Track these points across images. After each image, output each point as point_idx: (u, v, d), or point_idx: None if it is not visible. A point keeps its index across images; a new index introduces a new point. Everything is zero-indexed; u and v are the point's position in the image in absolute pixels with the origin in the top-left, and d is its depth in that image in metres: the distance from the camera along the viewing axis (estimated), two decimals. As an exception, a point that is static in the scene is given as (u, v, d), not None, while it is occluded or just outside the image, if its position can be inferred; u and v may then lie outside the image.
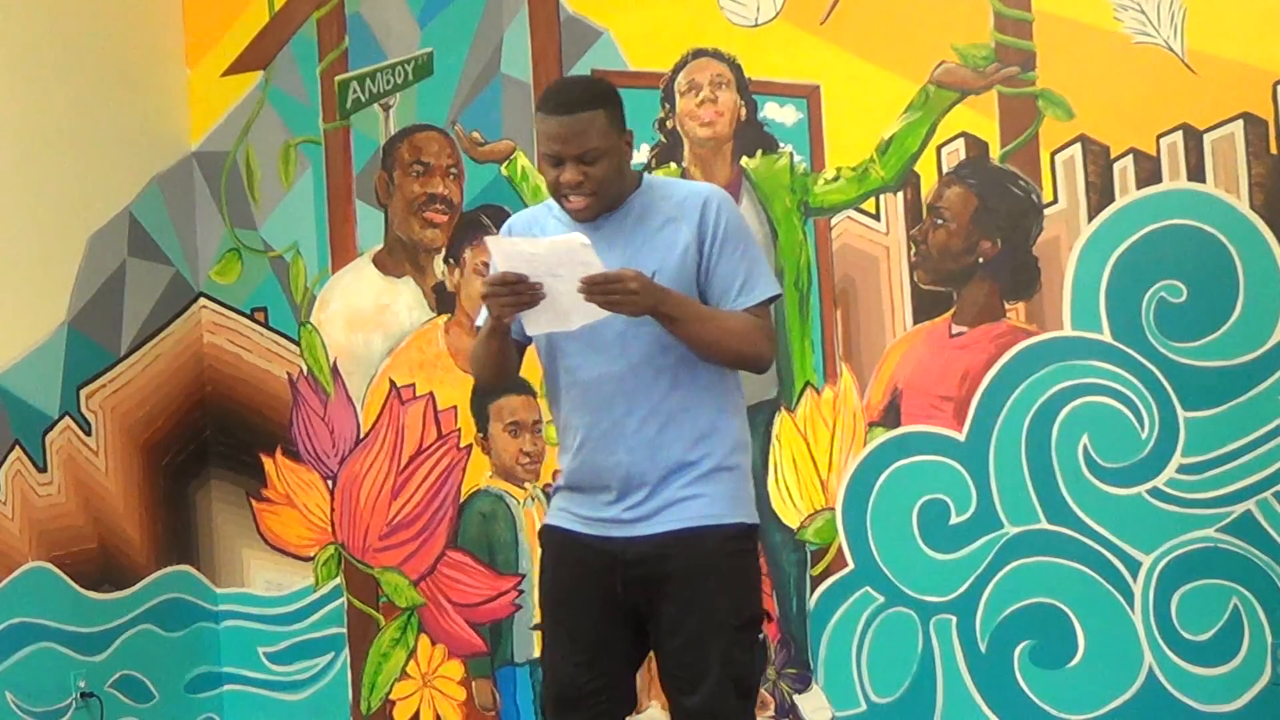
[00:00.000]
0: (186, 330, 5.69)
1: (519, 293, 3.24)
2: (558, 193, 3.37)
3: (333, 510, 5.57)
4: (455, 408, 5.35)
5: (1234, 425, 4.35)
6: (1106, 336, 4.50)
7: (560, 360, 3.46)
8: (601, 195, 3.35)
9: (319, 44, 5.56)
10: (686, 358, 3.38)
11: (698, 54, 4.96)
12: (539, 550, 3.59)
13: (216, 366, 5.72)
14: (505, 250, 3.27)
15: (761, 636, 3.47)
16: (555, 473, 3.58)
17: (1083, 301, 4.52)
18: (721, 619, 3.36)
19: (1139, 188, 4.46)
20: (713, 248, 3.38)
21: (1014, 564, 4.61)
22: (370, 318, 5.51)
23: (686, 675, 3.37)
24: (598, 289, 3.20)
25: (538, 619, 3.67)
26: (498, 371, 3.53)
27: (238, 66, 5.68)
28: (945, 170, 4.70)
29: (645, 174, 3.48)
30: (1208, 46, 4.37)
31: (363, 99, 5.49)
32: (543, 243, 3.25)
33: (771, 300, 3.44)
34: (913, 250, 4.74)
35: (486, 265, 5.28)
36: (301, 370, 5.60)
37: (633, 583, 3.41)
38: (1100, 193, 4.51)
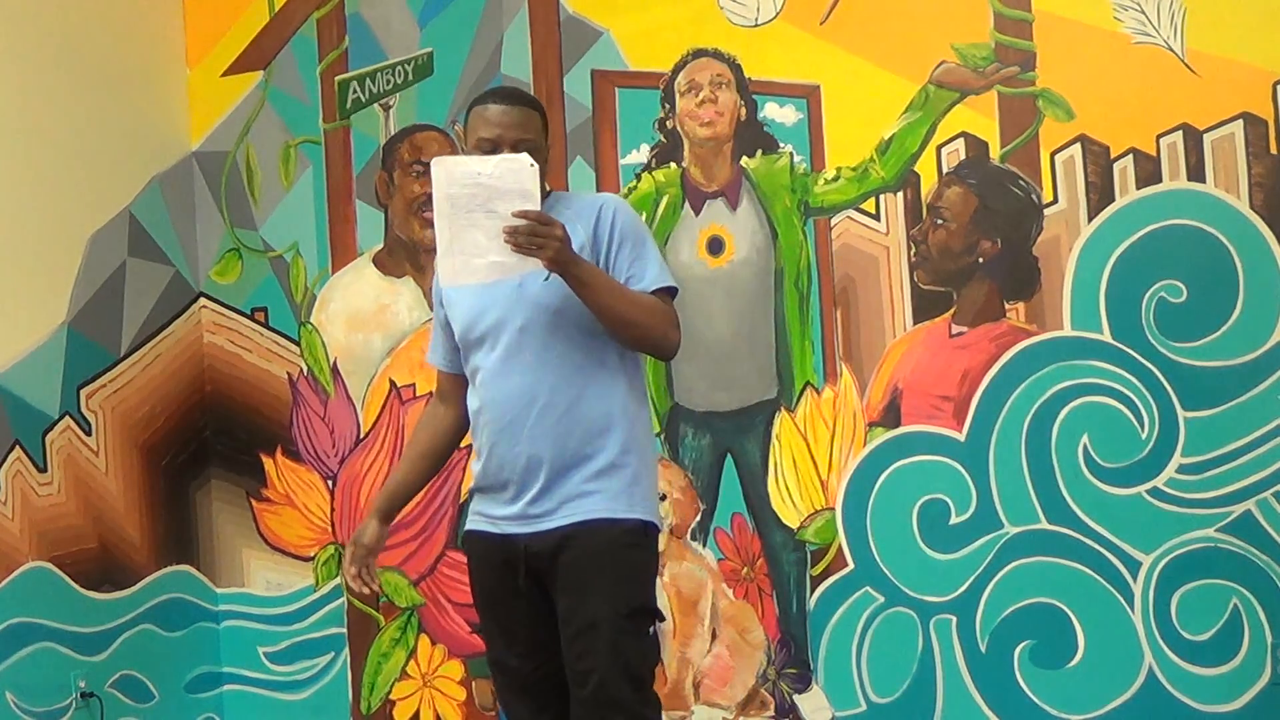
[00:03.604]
0: (186, 330, 5.70)
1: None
2: None
3: (333, 510, 5.57)
4: (455, 408, 5.35)
5: (1234, 425, 4.35)
6: (1106, 336, 4.50)
7: (471, 367, 3.59)
8: None
9: (319, 44, 5.56)
10: (584, 355, 3.48)
11: (698, 54, 4.96)
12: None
13: (216, 366, 5.73)
14: (450, 169, 3.32)
15: (652, 630, 3.54)
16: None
17: (1083, 301, 4.52)
18: (610, 608, 3.44)
19: (1139, 188, 4.46)
20: (610, 245, 3.50)
21: (1014, 564, 4.61)
22: (370, 318, 5.52)
23: (579, 666, 3.45)
24: (527, 226, 3.26)
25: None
26: (455, 430, 3.76)
27: (238, 66, 5.69)
28: (945, 170, 4.70)
29: (551, 188, 3.57)
30: (1208, 46, 4.37)
31: (363, 99, 5.49)
32: (492, 160, 3.32)
33: (668, 292, 3.52)
34: (913, 250, 4.74)
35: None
36: (301, 370, 5.61)
37: (531, 575, 3.52)
38: (1100, 193, 4.51)
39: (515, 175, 3.28)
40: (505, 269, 3.33)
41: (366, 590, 3.75)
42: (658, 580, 3.72)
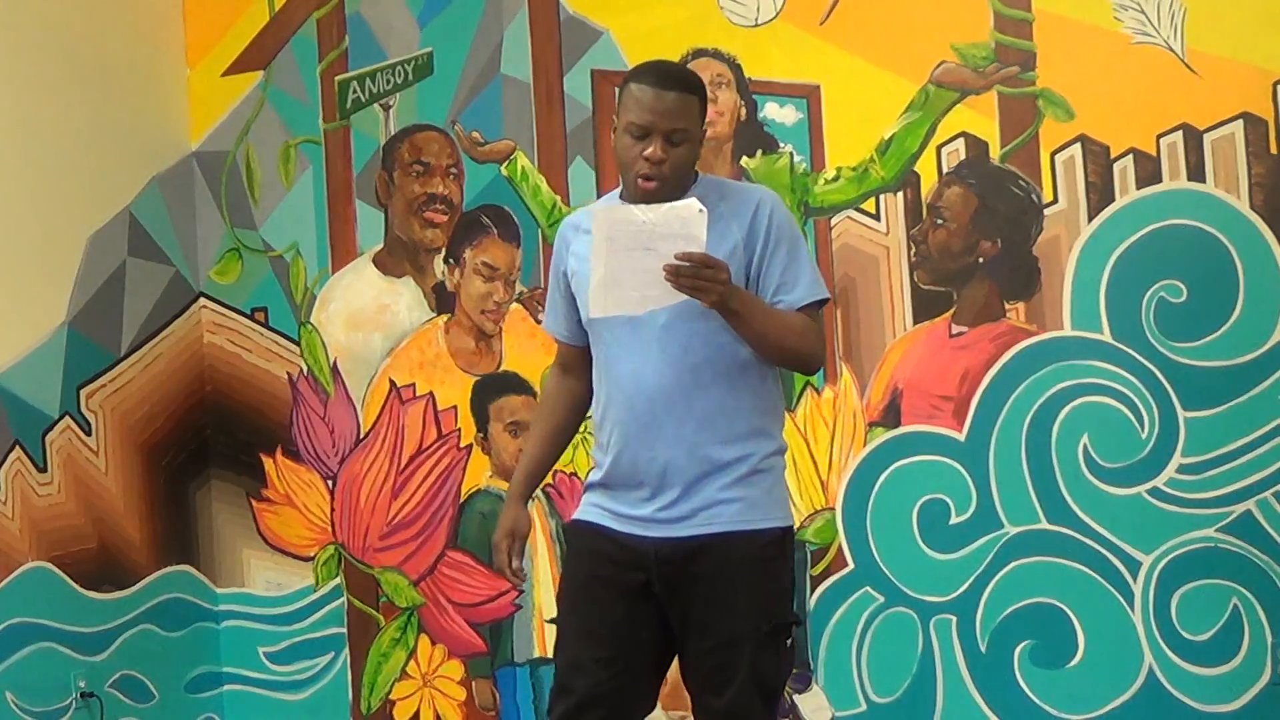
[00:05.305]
0: (186, 330, 5.69)
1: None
2: (632, 167, 3.34)
3: (333, 510, 5.57)
4: (455, 408, 5.35)
5: (1234, 425, 4.35)
6: (1106, 336, 4.50)
7: (601, 354, 3.45)
8: (672, 179, 3.33)
9: (319, 44, 5.56)
10: (726, 357, 3.37)
11: (698, 54, 4.96)
12: (565, 545, 3.59)
13: (216, 366, 5.73)
14: (612, 218, 3.22)
15: (789, 641, 3.44)
16: (590, 469, 3.56)
17: (1083, 301, 4.52)
18: (753, 625, 3.35)
19: (1139, 188, 4.46)
20: (764, 248, 3.38)
21: (1014, 564, 4.61)
22: (370, 318, 5.51)
23: (715, 677, 3.37)
24: (691, 269, 3.16)
25: (553, 614, 3.63)
26: (585, 404, 3.61)
27: (238, 66, 5.68)
28: (945, 170, 4.70)
29: (701, 172, 3.47)
30: (1208, 46, 4.37)
31: (363, 99, 5.49)
32: (661, 209, 3.20)
33: (819, 304, 3.42)
34: (913, 250, 4.74)
35: (487, 265, 5.28)
36: (301, 370, 5.61)
37: (664, 581, 3.39)
38: (1100, 193, 4.51)
39: (682, 222, 3.18)
40: (657, 301, 3.22)
41: (520, 581, 3.62)
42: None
